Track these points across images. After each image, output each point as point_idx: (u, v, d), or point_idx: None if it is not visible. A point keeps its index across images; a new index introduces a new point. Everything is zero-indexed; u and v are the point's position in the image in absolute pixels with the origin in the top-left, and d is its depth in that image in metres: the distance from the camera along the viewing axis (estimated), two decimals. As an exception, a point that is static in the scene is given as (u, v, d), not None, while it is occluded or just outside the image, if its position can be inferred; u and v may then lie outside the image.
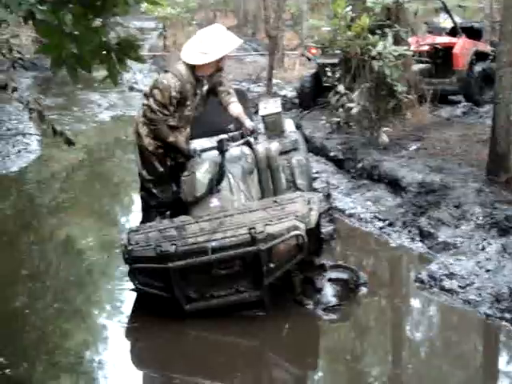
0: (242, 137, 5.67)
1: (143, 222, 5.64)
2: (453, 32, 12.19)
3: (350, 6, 9.16)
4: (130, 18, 28.29)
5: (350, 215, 7.46)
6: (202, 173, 5.32)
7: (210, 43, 5.35)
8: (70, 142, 6.47)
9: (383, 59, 8.71)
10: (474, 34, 12.40)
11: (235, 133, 5.68)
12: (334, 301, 5.21)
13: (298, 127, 8.58)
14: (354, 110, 9.08)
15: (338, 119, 9.70)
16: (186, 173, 5.45)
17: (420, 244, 6.55)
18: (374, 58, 8.82)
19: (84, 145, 11.53)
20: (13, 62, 7.36)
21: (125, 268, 5.19)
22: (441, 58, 11.82)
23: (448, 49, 11.74)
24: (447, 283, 5.48)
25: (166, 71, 5.53)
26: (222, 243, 4.80)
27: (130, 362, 4.73)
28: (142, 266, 4.89)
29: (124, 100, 16.01)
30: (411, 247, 6.57)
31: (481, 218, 6.33)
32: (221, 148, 5.41)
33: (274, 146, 5.56)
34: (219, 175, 5.36)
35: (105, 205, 8.50)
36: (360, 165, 8.62)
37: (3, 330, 5.01)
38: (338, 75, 9.51)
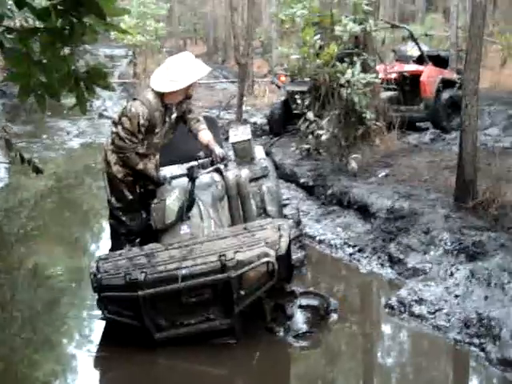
0: (212, 164, 5.66)
1: (112, 249, 5.60)
2: (420, 60, 12.39)
3: (319, 35, 9.28)
4: (100, 46, 28.38)
5: (320, 241, 7.48)
6: (172, 200, 5.32)
7: (179, 71, 5.38)
8: (38, 170, 6.41)
9: (351, 87, 8.82)
10: (440, 62, 12.62)
11: (205, 160, 5.68)
12: (304, 327, 5.21)
13: (268, 154, 8.64)
14: (324, 137, 9.15)
15: (308, 146, 9.79)
16: (155, 200, 5.44)
17: (390, 270, 6.59)
18: (342, 85, 8.93)
19: (53, 172, 11.44)
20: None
21: (93, 296, 5.13)
22: (408, 86, 12.01)
23: (415, 76, 11.93)
24: (417, 309, 5.51)
25: (135, 99, 5.52)
26: (191, 271, 4.76)
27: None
28: (111, 294, 4.82)
29: (93, 127, 15.96)
30: (381, 273, 6.61)
31: (449, 244, 6.38)
32: (191, 175, 5.40)
33: (244, 173, 5.56)
34: (189, 202, 5.36)
35: (74, 232, 8.42)
36: (330, 191, 8.66)
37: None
38: (307, 102, 9.59)
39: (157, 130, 5.51)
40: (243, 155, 5.91)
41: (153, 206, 5.40)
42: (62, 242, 7.97)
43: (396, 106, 11.42)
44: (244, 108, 15.27)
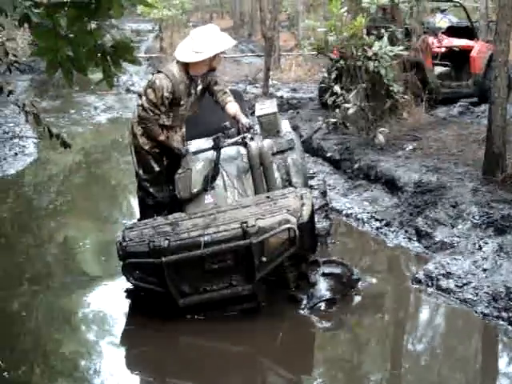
0: (239, 133, 5.67)
1: (140, 221, 5.65)
2: (452, 32, 12.16)
3: (346, 7, 9.18)
4: (126, 20, 28.40)
5: (347, 215, 7.47)
6: (198, 169, 5.39)
7: (203, 42, 5.38)
8: (66, 145, 6.47)
9: (379, 60, 8.72)
10: (469, 33, 12.41)
11: (231, 130, 5.66)
12: (327, 295, 5.23)
13: (295, 128, 8.61)
14: (351, 111, 9.09)
15: (335, 120, 9.72)
16: (180, 170, 5.47)
17: (417, 244, 6.57)
18: (369, 58, 8.84)
19: (81, 147, 11.54)
20: (8, 65, 7.35)
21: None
22: (457, 61, 11.84)
23: (464, 52, 11.75)
24: (444, 283, 5.49)
25: (159, 71, 5.54)
26: (214, 237, 4.83)
27: (124, 367, 4.73)
28: (135, 260, 4.92)
29: (120, 102, 16.01)
30: (408, 247, 6.59)
31: (477, 218, 6.34)
32: (216, 145, 5.43)
33: (267, 143, 5.54)
34: (214, 172, 5.40)
35: (102, 207, 8.50)
36: (357, 165, 8.63)
37: (1, 333, 5.01)
38: (333, 76, 9.52)
39: (182, 102, 5.53)
40: (269, 128, 5.88)
41: (177, 176, 5.44)
42: (90, 216, 8.04)
43: (448, 81, 11.31)
44: (270, 82, 15.19)
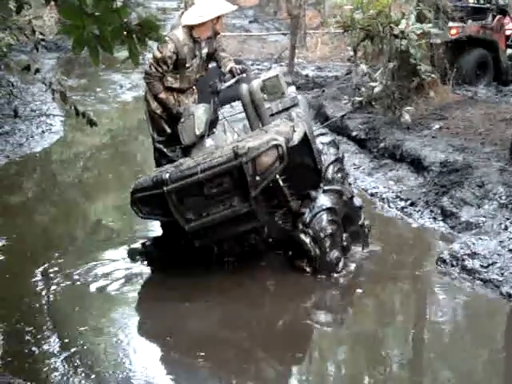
0: (233, 76, 5.92)
1: None
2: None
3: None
4: (152, -1, 28.36)
5: (372, 195, 7.46)
6: (199, 115, 5.67)
7: (205, 6, 5.79)
8: (92, 123, 6.50)
9: (406, 37, 8.63)
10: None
11: (227, 75, 5.96)
12: (328, 204, 5.49)
13: (320, 107, 8.59)
14: (377, 89, 9.03)
15: (360, 98, 9.66)
16: (182, 120, 5.74)
17: (442, 224, 6.54)
18: (396, 36, 8.75)
19: (106, 125, 11.61)
20: (35, 44, 7.39)
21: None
22: None
23: None
24: (469, 263, 5.46)
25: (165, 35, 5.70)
26: (210, 164, 5.19)
27: (138, 333, 4.84)
28: (141, 194, 5.32)
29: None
30: (433, 227, 6.56)
31: (504, 198, 6.29)
32: (213, 89, 5.72)
33: (256, 82, 5.75)
34: (214, 117, 5.74)
35: (127, 182, 8.55)
36: (382, 144, 8.58)
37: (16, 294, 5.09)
38: (359, 54, 9.45)
39: (187, 64, 5.86)
40: (273, 91, 5.97)
41: (180, 125, 5.73)
42: (115, 191, 8.12)
43: None
44: (296, 60, 15.11)
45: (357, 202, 5.86)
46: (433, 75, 9.46)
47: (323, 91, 12.17)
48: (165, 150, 6.01)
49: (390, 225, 6.99)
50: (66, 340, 4.55)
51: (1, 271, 5.56)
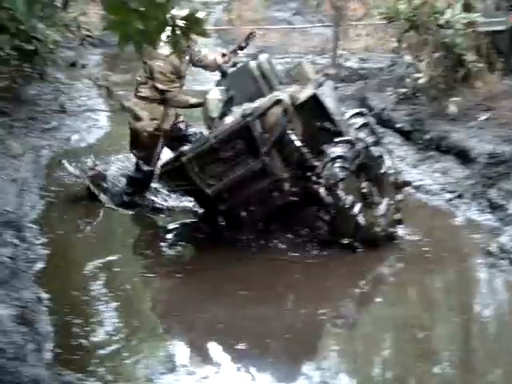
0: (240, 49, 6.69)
1: None
2: None
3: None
4: (195, -7, 28.40)
5: (417, 187, 7.37)
6: (211, 98, 6.10)
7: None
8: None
9: (451, 27, 8.50)
10: None
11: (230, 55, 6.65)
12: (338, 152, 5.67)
13: (363, 99, 8.52)
14: (422, 80, 8.92)
15: (405, 90, 9.56)
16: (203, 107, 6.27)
17: (490, 216, 6.44)
18: (441, 26, 8.63)
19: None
20: (81, 40, 7.50)
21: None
22: None
23: None
24: (518, 256, 5.37)
25: None
26: (221, 130, 5.71)
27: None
28: (166, 168, 5.91)
29: (190, 74, 16.03)
30: (481, 219, 6.47)
31: (553, 189, 6.17)
32: (221, 71, 6.31)
33: (263, 55, 6.15)
34: (228, 97, 6.05)
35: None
36: (428, 136, 8.48)
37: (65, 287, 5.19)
38: (404, 45, 9.35)
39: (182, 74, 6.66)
40: (299, 78, 6.21)
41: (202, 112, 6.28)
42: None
43: None
44: (339, 52, 15.02)
45: (375, 151, 5.94)
46: (479, 65, 9.30)
47: (367, 83, 12.08)
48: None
49: (436, 217, 6.91)
50: (113, 333, 4.61)
51: (51, 265, 5.65)
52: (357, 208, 5.57)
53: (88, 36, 7.79)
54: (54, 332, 4.47)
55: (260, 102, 5.68)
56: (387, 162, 6.06)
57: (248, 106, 5.65)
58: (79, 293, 5.19)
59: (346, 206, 5.54)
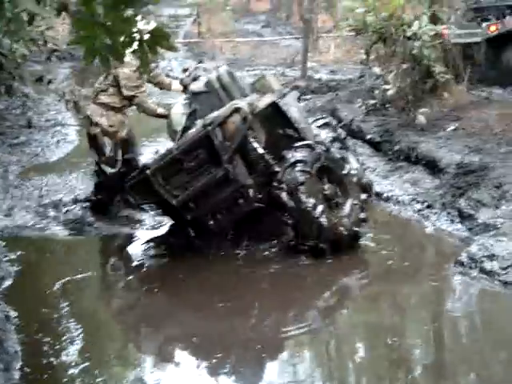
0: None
1: None
2: None
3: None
4: (164, 6, 28.41)
5: (388, 198, 7.40)
6: (174, 113, 6.32)
7: None
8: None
9: (418, 39, 8.59)
10: None
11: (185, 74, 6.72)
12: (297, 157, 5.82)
13: (334, 110, 8.60)
14: (390, 92, 8.99)
15: (374, 101, 9.63)
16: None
17: (459, 226, 6.49)
18: (409, 38, 8.72)
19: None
20: (48, 54, 7.44)
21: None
22: None
23: None
24: (488, 265, 5.40)
25: None
26: (183, 141, 5.90)
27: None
28: (131, 182, 6.00)
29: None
30: (451, 229, 6.51)
31: (521, 198, 6.23)
32: (184, 85, 6.51)
33: (222, 68, 6.37)
34: (192, 110, 6.22)
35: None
36: (397, 147, 8.54)
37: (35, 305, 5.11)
38: (372, 57, 9.43)
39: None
40: (264, 90, 6.36)
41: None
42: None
43: None
44: (309, 64, 15.10)
45: (336, 154, 6.16)
46: (447, 76, 9.41)
47: (337, 94, 12.15)
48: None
49: (406, 227, 6.94)
50: (84, 351, 4.54)
51: (19, 283, 5.57)
52: (319, 210, 5.67)
53: (55, 50, 7.72)
54: (22, 351, 4.39)
55: (219, 112, 5.82)
56: (352, 162, 6.42)
57: (208, 116, 5.82)
58: (48, 310, 5.12)
59: (308, 209, 5.64)
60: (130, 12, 2.95)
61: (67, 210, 7.05)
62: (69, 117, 11.78)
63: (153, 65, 6.72)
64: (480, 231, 6.15)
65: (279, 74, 15.85)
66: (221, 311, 5.04)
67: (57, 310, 5.10)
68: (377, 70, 9.49)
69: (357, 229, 5.93)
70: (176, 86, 6.87)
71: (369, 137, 9.21)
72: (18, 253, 6.10)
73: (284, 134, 6.05)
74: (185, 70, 6.71)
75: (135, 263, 6.14)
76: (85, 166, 8.38)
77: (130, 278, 5.93)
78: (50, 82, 7.01)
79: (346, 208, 5.92)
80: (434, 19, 9.27)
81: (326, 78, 14.31)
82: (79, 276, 5.78)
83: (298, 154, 5.82)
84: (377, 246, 6.14)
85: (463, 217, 6.52)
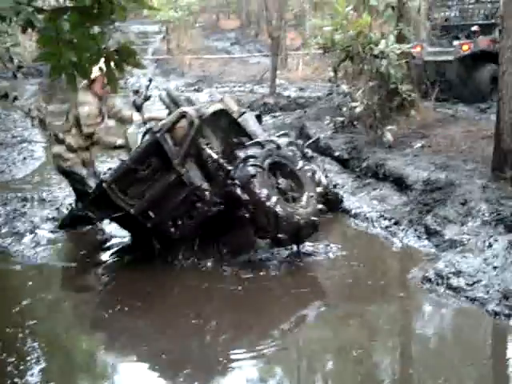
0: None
1: None
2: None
3: (352, 5, 9.16)
4: (133, 22, 28.41)
5: (356, 215, 7.44)
6: (130, 133, 6.63)
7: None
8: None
9: (386, 58, 8.69)
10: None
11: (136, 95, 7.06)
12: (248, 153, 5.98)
13: (302, 127, 8.66)
14: (358, 109, 9.07)
15: (342, 118, 9.70)
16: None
17: (426, 242, 6.53)
18: (376, 56, 8.81)
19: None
20: (13, 71, 7.39)
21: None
22: None
23: None
24: (454, 281, 5.45)
25: None
26: (135, 151, 6.10)
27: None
28: (90, 198, 6.18)
29: (129, 104, 15.97)
30: (417, 245, 6.55)
31: (487, 215, 6.30)
32: (137, 107, 6.79)
33: (168, 87, 6.84)
34: (147, 130, 6.35)
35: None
36: (365, 164, 8.60)
37: None
38: (340, 75, 9.51)
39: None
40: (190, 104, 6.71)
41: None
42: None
43: None
44: (278, 81, 15.18)
45: (287, 151, 6.33)
46: (413, 94, 9.52)
47: (305, 112, 12.23)
48: None
49: (374, 244, 6.97)
50: (50, 371, 4.47)
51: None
52: (273, 200, 5.79)
53: (20, 67, 7.66)
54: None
55: (167, 118, 6.12)
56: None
57: (157, 124, 6.10)
58: (13, 330, 5.01)
59: (262, 199, 5.75)
60: (96, 29, 2.94)
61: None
62: (35, 133, 11.68)
63: (111, 102, 7.07)
64: (447, 247, 6.20)
65: (248, 91, 15.93)
66: (189, 327, 5.01)
67: (22, 329, 5.00)
68: (345, 87, 9.57)
69: (315, 218, 6.04)
70: (136, 117, 7.00)
71: (337, 154, 9.27)
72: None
73: (239, 142, 6.29)
74: (136, 92, 6.89)
75: (102, 278, 6.06)
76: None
77: (98, 293, 5.86)
78: (15, 98, 6.96)
79: (303, 201, 6.07)
80: (401, 38, 9.38)
81: (294, 95, 14.39)
82: (46, 293, 5.71)
83: (249, 151, 6.00)
84: (344, 261, 6.16)
85: (430, 233, 6.57)
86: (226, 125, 6.36)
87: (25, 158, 10.37)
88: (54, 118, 7.03)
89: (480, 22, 12.34)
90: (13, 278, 6.24)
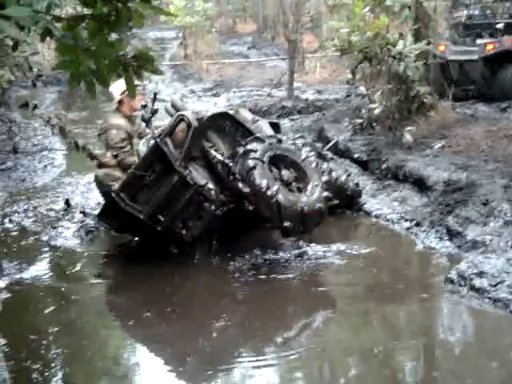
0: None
1: None
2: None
3: (368, 7, 9.13)
4: (150, 29, 28.57)
5: (377, 216, 7.41)
6: (140, 146, 6.71)
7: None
8: (92, 157, 6.53)
9: (403, 59, 8.63)
10: None
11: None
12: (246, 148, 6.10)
13: (321, 130, 8.66)
14: (377, 111, 9.03)
15: (361, 120, 9.67)
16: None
17: (448, 243, 6.49)
18: (394, 57, 8.77)
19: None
20: (33, 80, 7.46)
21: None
22: None
23: None
24: (477, 282, 5.40)
25: None
26: (140, 158, 6.30)
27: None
28: (103, 209, 6.44)
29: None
30: (439, 247, 6.51)
31: (509, 215, 6.24)
32: (146, 121, 6.75)
33: (174, 96, 7.32)
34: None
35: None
36: (385, 165, 8.56)
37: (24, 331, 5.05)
38: (358, 76, 9.48)
39: None
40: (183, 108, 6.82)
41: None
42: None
43: None
44: (295, 85, 15.17)
45: (289, 145, 6.46)
46: (430, 96, 9.46)
47: (323, 114, 12.20)
48: None
49: (395, 246, 6.94)
50: (73, 377, 4.49)
51: (8, 309, 5.51)
52: (274, 188, 5.83)
53: (40, 76, 7.73)
54: (12, 379, 4.35)
55: (167, 123, 6.26)
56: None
57: (156, 130, 6.31)
58: (37, 337, 5.05)
59: (262, 189, 5.79)
60: (114, 36, 2.96)
61: None
62: (55, 141, 11.77)
63: (137, 121, 7.08)
64: (469, 248, 6.16)
65: (266, 95, 15.94)
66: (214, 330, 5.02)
67: (46, 336, 5.05)
68: (363, 89, 9.54)
69: (320, 205, 6.06)
70: (146, 131, 7.05)
71: (356, 156, 9.24)
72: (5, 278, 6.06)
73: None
74: (144, 107, 6.88)
75: (128, 283, 6.09)
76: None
77: (117, 302, 5.88)
78: (35, 107, 6.99)
79: (308, 190, 6.12)
80: (418, 37, 9.33)
81: (312, 98, 14.36)
82: (67, 301, 5.75)
83: (248, 146, 6.07)
84: (366, 262, 6.14)
85: (452, 234, 6.53)
86: (233, 129, 6.45)
87: (45, 166, 10.45)
88: (74, 125, 7.09)
89: (504, 20, 12.22)
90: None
